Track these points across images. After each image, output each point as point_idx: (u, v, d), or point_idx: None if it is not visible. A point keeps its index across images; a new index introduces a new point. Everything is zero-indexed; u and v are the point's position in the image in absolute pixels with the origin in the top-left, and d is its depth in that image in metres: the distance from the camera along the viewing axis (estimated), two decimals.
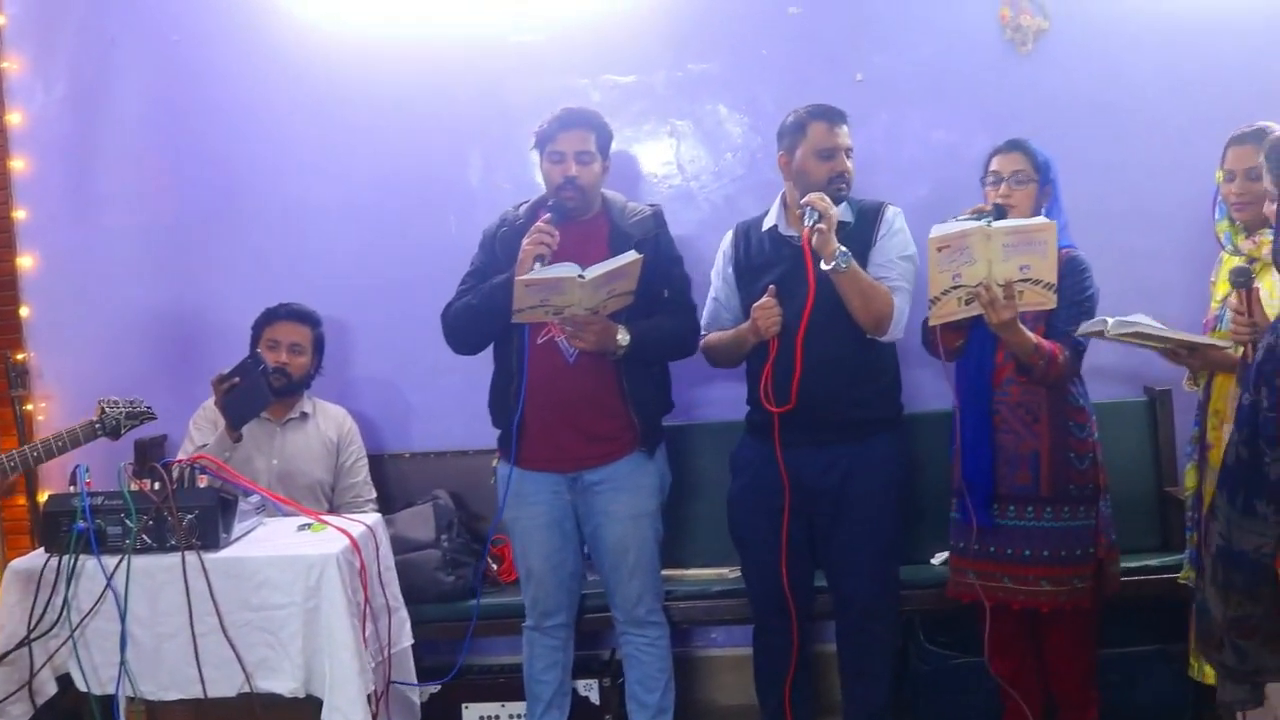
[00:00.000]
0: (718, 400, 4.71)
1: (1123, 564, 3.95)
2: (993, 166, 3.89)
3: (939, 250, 3.53)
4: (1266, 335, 3.07)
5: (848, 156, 3.90)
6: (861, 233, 3.90)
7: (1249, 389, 3.06)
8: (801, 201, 3.79)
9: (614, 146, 4.08)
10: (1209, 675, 3.66)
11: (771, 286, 3.84)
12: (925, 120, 4.76)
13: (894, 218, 3.94)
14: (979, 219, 3.61)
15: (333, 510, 4.37)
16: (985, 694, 4.03)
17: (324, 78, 4.85)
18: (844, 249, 3.71)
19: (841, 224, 3.86)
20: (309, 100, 4.87)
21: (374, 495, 4.57)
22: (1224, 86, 4.62)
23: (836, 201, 3.81)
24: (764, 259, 3.94)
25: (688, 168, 4.82)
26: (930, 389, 4.49)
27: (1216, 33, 4.70)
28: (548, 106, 4.05)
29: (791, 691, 4.06)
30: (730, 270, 4.06)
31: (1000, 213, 3.71)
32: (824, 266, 3.71)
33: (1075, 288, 3.76)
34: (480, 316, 3.95)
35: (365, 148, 4.85)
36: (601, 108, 4.42)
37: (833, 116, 3.91)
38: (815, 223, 3.70)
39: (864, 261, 3.84)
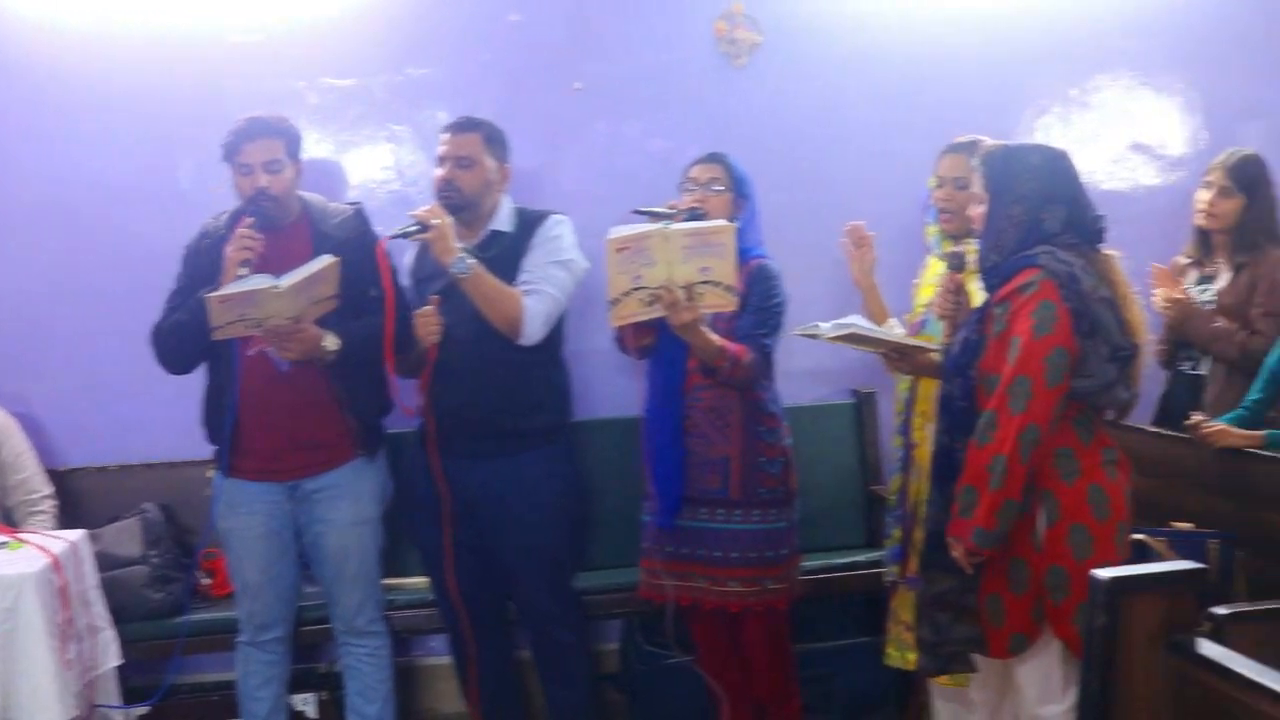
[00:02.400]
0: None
1: (832, 560, 4.10)
2: (691, 174, 3.97)
3: (618, 252, 3.54)
4: (962, 329, 3.27)
5: (460, 166, 3.91)
6: (519, 241, 3.95)
7: (947, 380, 3.27)
8: (408, 214, 3.81)
9: (331, 151, 4.02)
10: (909, 661, 3.84)
11: (434, 296, 3.85)
12: (643, 129, 4.83)
13: (552, 226, 3.99)
14: (663, 222, 3.64)
15: (8, 513, 4.18)
16: (700, 693, 4.10)
17: (29, 71, 4.61)
18: (464, 255, 3.74)
19: (500, 233, 3.93)
20: (11, 95, 4.62)
21: (51, 490, 4.38)
22: (928, 100, 4.86)
23: (450, 209, 3.82)
24: (433, 268, 3.92)
25: (406, 173, 4.76)
26: (625, 393, 4.56)
27: (922, 49, 4.94)
28: (264, 108, 3.95)
29: (494, 697, 4.11)
30: (409, 280, 4.08)
31: (695, 217, 3.77)
32: (452, 272, 3.74)
33: (764, 295, 3.85)
34: (188, 334, 3.81)
35: (70, 147, 4.63)
36: (319, 111, 4.35)
37: (450, 126, 3.97)
38: (415, 233, 3.72)
39: (518, 269, 3.89)
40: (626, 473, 4.28)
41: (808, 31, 4.90)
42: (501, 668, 4.20)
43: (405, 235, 3.76)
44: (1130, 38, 5.12)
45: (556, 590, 4.09)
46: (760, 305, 3.83)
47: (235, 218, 3.87)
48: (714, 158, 3.97)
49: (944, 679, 3.68)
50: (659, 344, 3.88)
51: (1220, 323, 4.18)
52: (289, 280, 3.58)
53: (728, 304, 3.66)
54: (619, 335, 3.95)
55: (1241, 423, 3.85)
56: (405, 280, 4.08)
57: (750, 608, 3.86)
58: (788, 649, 4.06)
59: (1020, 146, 3.41)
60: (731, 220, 3.78)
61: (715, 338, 3.72)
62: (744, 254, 3.79)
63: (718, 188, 3.91)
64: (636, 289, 3.58)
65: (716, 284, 3.60)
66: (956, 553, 3.10)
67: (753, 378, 3.81)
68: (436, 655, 4.76)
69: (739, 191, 3.94)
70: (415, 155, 4.74)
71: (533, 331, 3.86)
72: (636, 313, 3.64)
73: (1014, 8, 5.02)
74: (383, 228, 4.02)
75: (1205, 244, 4.37)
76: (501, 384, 3.90)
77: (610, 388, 4.72)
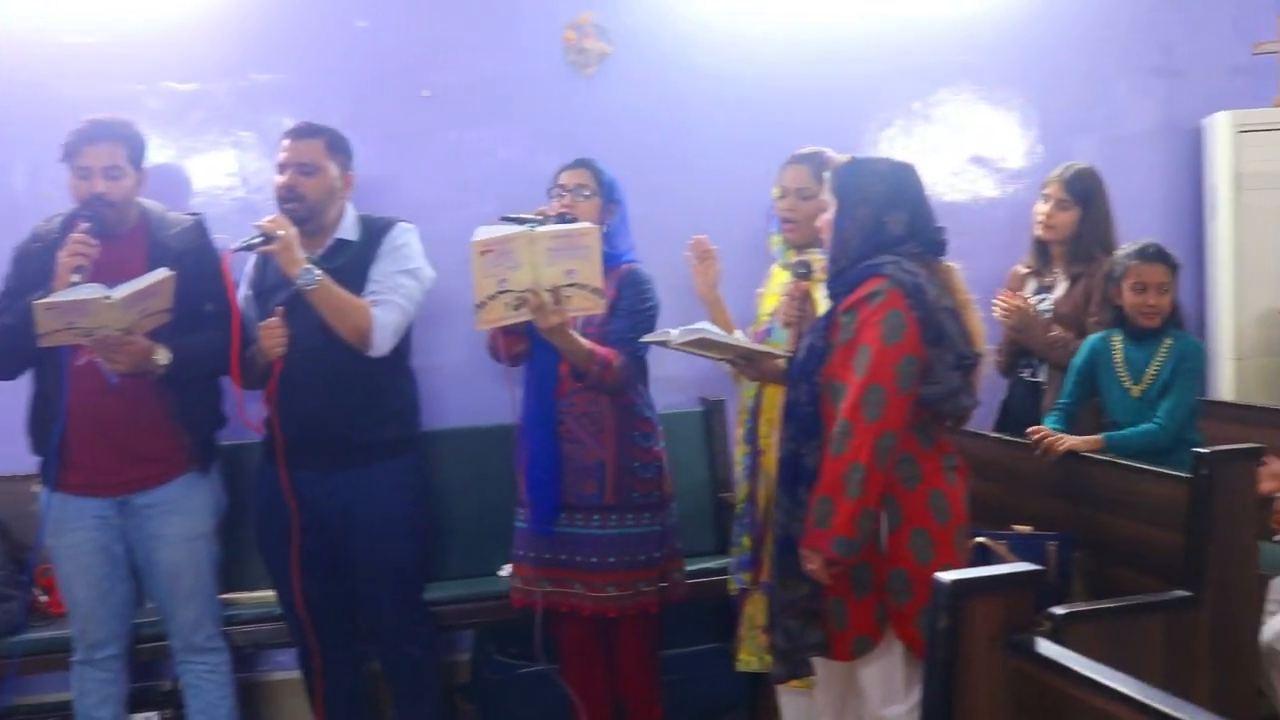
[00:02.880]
0: None
1: (684, 567, 4.12)
2: (560, 181, 3.97)
3: (482, 254, 3.52)
4: (808, 336, 3.31)
5: (302, 172, 3.84)
6: (365, 250, 3.90)
7: (792, 387, 3.31)
8: (252, 224, 3.75)
9: (173, 156, 3.91)
10: (766, 664, 3.87)
11: (279, 308, 3.79)
12: (491, 137, 4.81)
13: (399, 234, 3.95)
14: (528, 224, 3.64)
15: None
16: (554, 700, 4.09)
17: None
18: (310, 266, 3.69)
19: (346, 242, 3.89)
20: None
21: None
22: (774, 113, 4.92)
23: (295, 220, 3.77)
24: (277, 279, 3.85)
25: (251, 180, 4.66)
26: (478, 402, 4.55)
27: (769, 62, 5.00)
28: (102, 111, 3.84)
29: (342, 711, 4.09)
30: (250, 291, 4.00)
31: (564, 222, 3.77)
32: (298, 284, 3.69)
33: (636, 299, 3.88)
34: (13, 339, 3.68)
35: None
36: (160, 116, 4.24)
37: (291, 132, 3.92)
38: (260, 244, 3.66)
39: (366, 278, 3.85)
40: (480, 482, 4.26)
41: (657, 43, 4.93)
42: (350, 682, 4.14)
43: (250, 248, 3.67)
44: (971, 53, 5.25)
45: (405, 605, 4.05)
46: (632, 309, 3.86)
47: (69, 222, 3.76)
48: (582, 163, 3.98)
49: (792, 681, 3.72)
50: (531, 350, 3.86)
51: (1057, 331, 4.29)
52: (121, 292, 3.48)
53: (595, 306, 3.67)
54: (491, 343, 3.93)
55: (1060, 425, 4.01)
56: (246, 291, 4.00)
57: (626, 611, 3.87)
58: (656, 653, 4.09)
59: (870, 157, 3.49)
60: (601, 225, 3.79)
61: (584, 341, 3.72)
62: (615, 258, 3.82)
63: (586, 193, 3.92)
64: (502, 292, 3.56)
65: (583, 286, 3.60)
66: (814, 564, 3.11)
67: (624, 382, 3.83)
68: (284, 670, 4.67)
69: (608, 196, 3.96)
70: (260, 162, 4.65)
71: (382, 342, 3.81)
72: (503, 316, 3.62)
73: (857, 23, 5.11)
74: (227, 235, 3.94)
75: (1043, 255, 4.49)
76: (350, 396, 3.84)
77: (462, 397, 4.68)
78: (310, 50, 4.69)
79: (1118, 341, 4.12)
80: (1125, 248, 4.16)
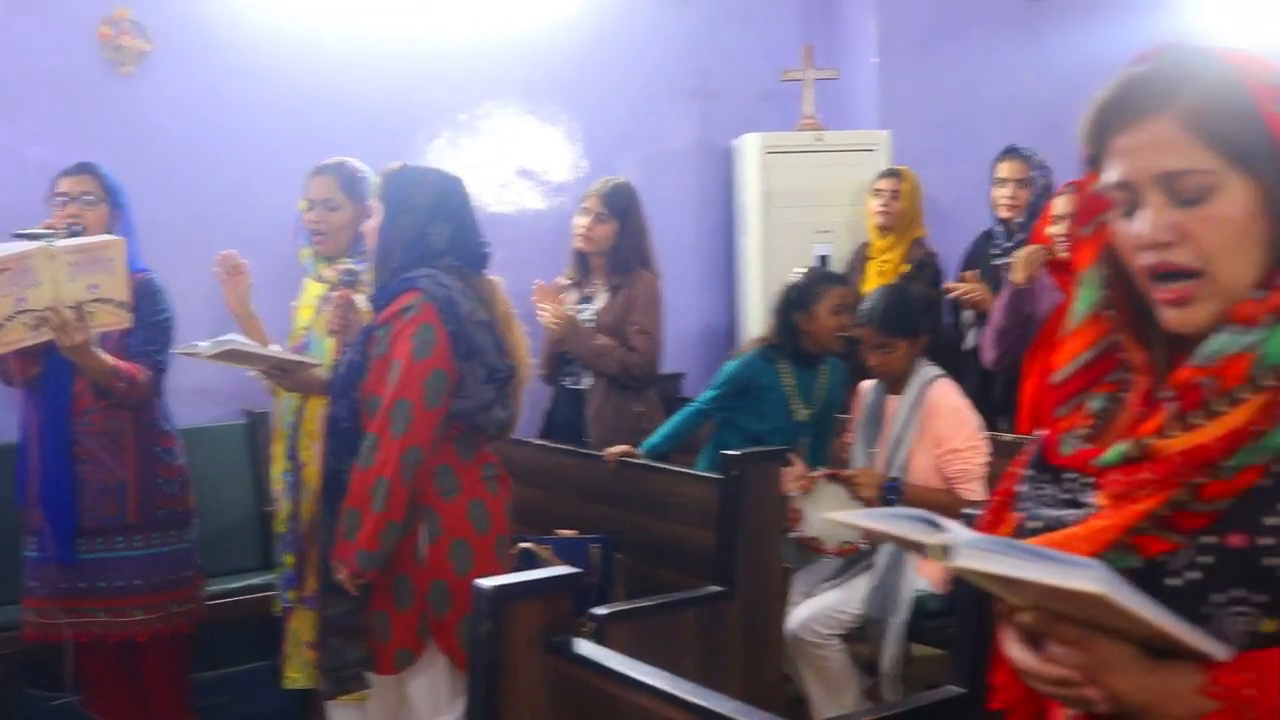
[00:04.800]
0: None
1: (227, 584, 3.99)
2: (60, 188, 3.76)
3: None
4: (349, 349, 3.28)
5: None
6: None
7: (333, 402, 3.27)
8: None
9: None
10: (304, 682, 3.80)
11: None
12: (21, 135, 4.50)
13: None
14: (43, 239, 3.44)
15: None
16: None
17: None
18: None
19: None
20: None
21: None
22: (318, 120, 4.85)
23: None
24: None
25: None
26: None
27: (314, 68, 4.93)
28: None
29: None
30: None
31: (75, 233, 3.58)
32: None
33: (151, 309, 3.73)
34: None
35: None
36: None
37: None
38: None
39: None
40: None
41: (200, 42, 4.77)
42: None
43: None
44: (518, 66, 5.35)
45: None
46: (149, 321, 3.71)
47: None
48: (84, 168, 3.78)
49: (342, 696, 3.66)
50: (44, 370, 3.63)
51: (600, 340, 4.43)
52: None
53: (121, 321, 3.52)
54: (2, 366, 3.69)
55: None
56: None
57: (158, 634, 3.71)
58: (186, 674, 3.94)
59: (419, 167, 3.48)
60: (109, 231, 3.64)
61: (108, 358, 3.56)
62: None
63: (90, 199, 3.74)
64: (21, 312, 3.34)
65: (108, 301, 3.44)
66: (341, 576, 3.09)
67: (148, 396, 3.69)
68: None
69: (113, 202, 3.77)
70: None
71: None
72: (23, 338, 3.40)
73: (403, 33, 5.11)
74: None
75: (584, 266, 4.62)
76: None
77: None
78: None
79: (785, 365, 4.21)
80: (804, 272, 4.31)
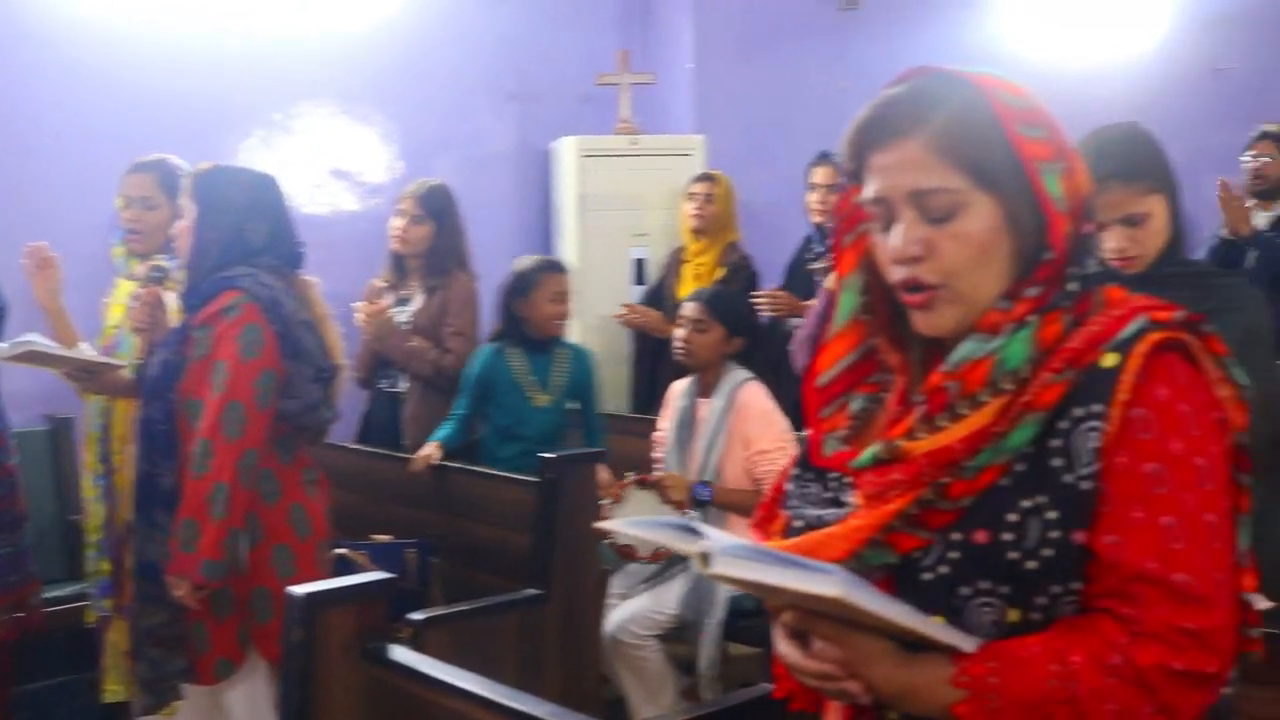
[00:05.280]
0: None
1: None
2: None
3: None
4: (161, 350, 3.20)
5: None
6: None
7: (146, 404, 3.18)
8: None
9: None
10: (125, 694, 3.70)
11: None
12: None
13: None
14: None
15: None
16: None
17: None
18: None
19: None
20: None
21: None
22: (128, 117, 4.73)
23: None
24: None
25: None
26: None
27: (124, 63, 4.83)
28: None
29: None
30: None
31: None
32: None
33: None
34: None
35: None
36: None
37: None
38: None
39: None
40: None
41: (9, 36, 4.64)
42: None
43: None
44: (333, 66, 5.29)
45: None
46: None
47: None
48: None
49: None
50: None
51: (416, 342, 4.40)
52: None
53: None
54: None
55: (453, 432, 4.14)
56: None
57: None
58: (8, 686, 3.81)
59: (232, 166, 3.42)
60: None
61: None
62: None
63: None
64: None
65: None
66: (181, 591, 2.99)
67: None
68: None
69: None
70: None
71: None
72: None
73: (216, 30, 5.01)
74: None
75: (400, 268, 4.58)
76: None
77: None
78: None
79: (515, 353, 4.26)
80: (523, 261, 4.33)
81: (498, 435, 4.23)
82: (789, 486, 1.56)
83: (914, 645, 1.35)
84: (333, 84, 5.32)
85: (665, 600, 3.90)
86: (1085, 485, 1.33)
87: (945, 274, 1.39)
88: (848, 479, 1.46)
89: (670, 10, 6.17)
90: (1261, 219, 5.16)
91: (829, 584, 1.24)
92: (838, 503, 1.47)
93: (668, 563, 3.95)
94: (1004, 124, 1.39)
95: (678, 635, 3.93)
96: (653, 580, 3.98)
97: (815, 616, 1.36)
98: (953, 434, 1.35)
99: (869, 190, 1.43)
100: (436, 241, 4.48)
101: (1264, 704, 1.78)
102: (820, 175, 5.08)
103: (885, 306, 1.49)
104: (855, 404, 1.52)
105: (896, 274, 1.42)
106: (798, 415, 4.11)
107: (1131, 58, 6.35)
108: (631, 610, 3.91)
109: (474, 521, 3.85)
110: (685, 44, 6.09)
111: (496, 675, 2.06)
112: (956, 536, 1.36)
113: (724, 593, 3.85)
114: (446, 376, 4.36)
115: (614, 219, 5.64)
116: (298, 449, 3.24)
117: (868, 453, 1.41)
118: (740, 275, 5.16)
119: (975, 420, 1.35)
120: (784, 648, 1.42)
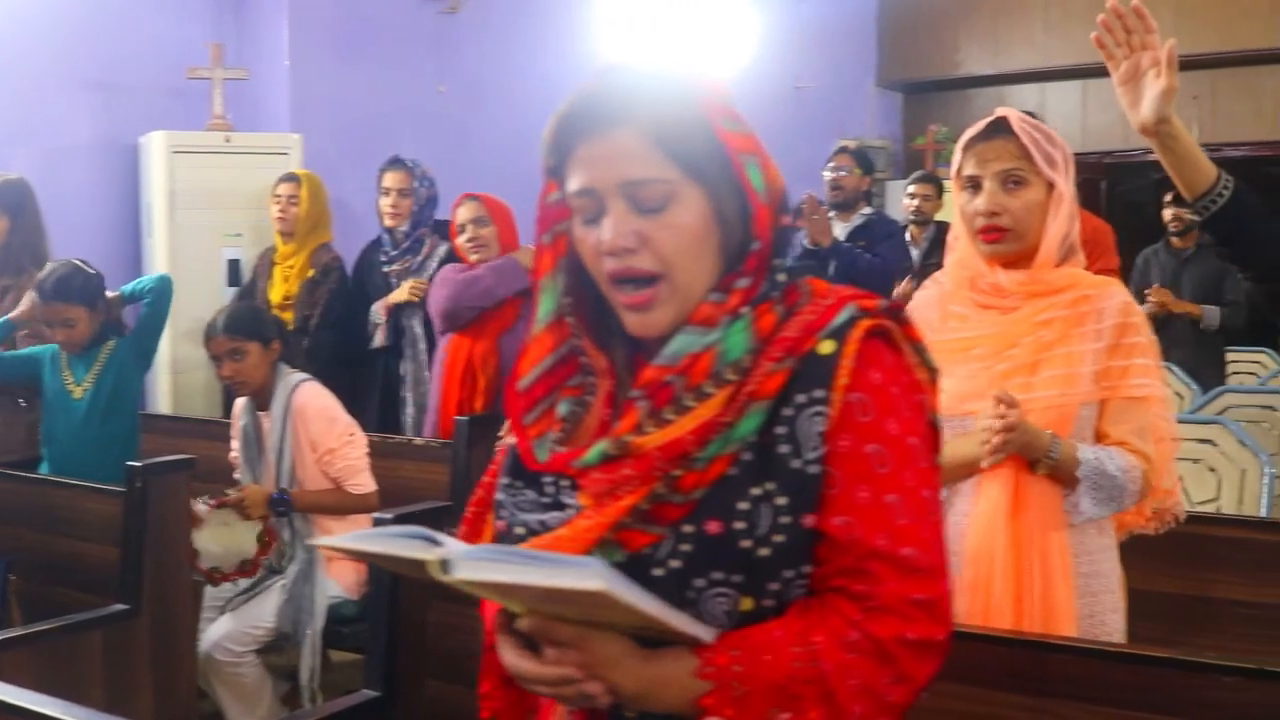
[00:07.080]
0: None
1: None
2: None
3: None
4: None
5: None
6: None
7: None
8: None
9: None
10: None
11: None
12: None
13: None
14: None
15: None
16: None
17: None
18: None
19: None
20: None
21: None
22: None
23: None
24: None
25: None
26: None
27: None
28: None
29: None
30: None
31: None
32: None
33: None
34: None
35: None
36: None
37: None
38: None
39: None
40: None
41: None
42: None
43: None
44: None
45: None
46: None
47: None
48: None
49: None
50: None
51: None
52: None
53: None
54: None
55: None
56: None
57: None
58: None
59: None
60: None
61: None
62: None
63: None
64: None
65: None
66: None
67: None
68: None
69: None
70: None
71: None
72: None
73: None
74: None
75: None
76: None
77: None
78: None
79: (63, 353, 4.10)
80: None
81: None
82: (500, 496, 1.52)
83: (650, 643, 1.36)
84: None
85: (261, 614, 3.80)
86: (813, 469, 1.38)
87: (663, 263, 1.41)
88: (569, 481, 1.44)
89: (265, 5, 6.03)
90: (840, 229, 5.51)
91: (589, 576, 1.22)
92: (558, 506, 1.44)
93: (261, 576, 3.85)
94: (710, 117, 1.42)
95: (276, 647, 3.85)
96: (249, 592, 3.87)
97: (553, 621, 1.35)
98: (682, 426, 1.37)
99: (575, 183, 1.43)
100: (12, 239, 4.28)
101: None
102: (390, 180, 5.10)
103: (587, 307, 1.49)
104: (562, 407, 1.50)
105: (608, 265, 1.42)
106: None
107: (722, 74, 6.65)
108: (227, 628, 3.80)
109: (54, 534, 3.66)
110: (281, 40, 5.97)
111: (84, 698, 1.98)
112: (689, 529, 1.37)
113: (322, 601, 3.80)
114: None
115: (206, 218, 5.47)
116: None
117: (595, 450, 1.40)
118: (330, 276, 5.12)
119: (703, 411, 1.37)
120: (513, 658, 1.39)
